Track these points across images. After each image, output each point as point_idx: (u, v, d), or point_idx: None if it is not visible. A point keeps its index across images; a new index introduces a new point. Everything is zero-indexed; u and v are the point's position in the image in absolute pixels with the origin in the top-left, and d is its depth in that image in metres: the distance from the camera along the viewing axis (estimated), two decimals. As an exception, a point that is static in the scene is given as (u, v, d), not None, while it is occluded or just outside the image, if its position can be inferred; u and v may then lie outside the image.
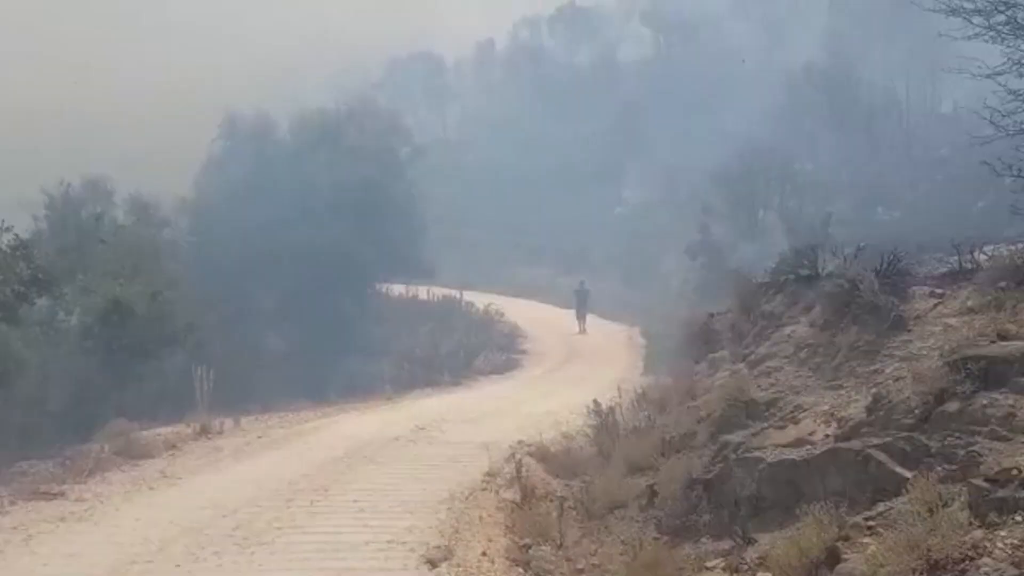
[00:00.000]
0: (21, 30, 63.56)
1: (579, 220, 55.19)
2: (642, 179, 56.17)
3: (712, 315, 16.76)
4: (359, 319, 37.74)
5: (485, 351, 30.06)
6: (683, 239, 45.84)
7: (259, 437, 18.12)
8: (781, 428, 10.67)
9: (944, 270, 11.87)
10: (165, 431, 18.38)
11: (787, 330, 12.38)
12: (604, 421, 18.35)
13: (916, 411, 9.09)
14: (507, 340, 33.87)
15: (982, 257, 11.97)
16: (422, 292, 47.78)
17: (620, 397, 22.89)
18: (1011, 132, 15.82)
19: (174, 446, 17.08)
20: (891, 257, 11.51)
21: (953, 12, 15.76)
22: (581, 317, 40.19)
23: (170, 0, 73.59)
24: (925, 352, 10.27)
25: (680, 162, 52.61)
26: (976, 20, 15.87)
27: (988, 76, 15.70)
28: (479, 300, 43.41)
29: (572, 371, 29.62)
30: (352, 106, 41.38)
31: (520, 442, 17.55)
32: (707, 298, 34.52)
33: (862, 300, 11.05)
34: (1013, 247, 11.85)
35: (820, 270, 13.09)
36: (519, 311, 42.65)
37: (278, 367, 31.34)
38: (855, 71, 43.84)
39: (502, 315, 37.88)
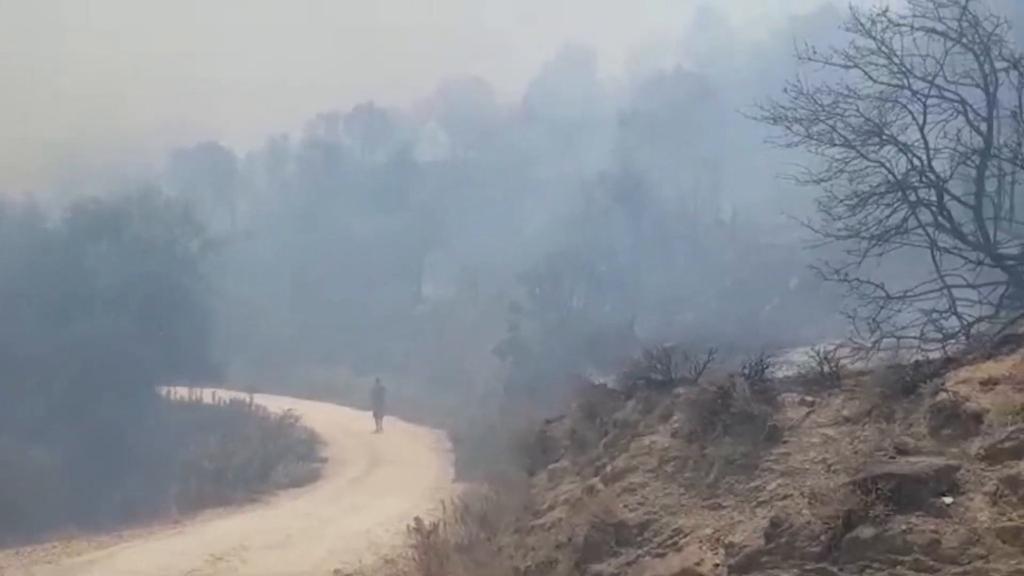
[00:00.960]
0: None
1: (378, 319, 53.41)
2: (442, 277, 55.33)
3: (548, 421, 15.51)
4: (138, 428, 33.91)
5: (283, 461, 27.33)
6: (487, 338, 45.07)
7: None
8: (661, 556, 9.39)
9: (795, 374, 11.12)
10: None
11: (646, 440, 11.21)
12: (428, 541, 16.52)
13: (822, 537, 8.04)
14: (305, 447, 31.20)
15: (842, 362, 11.39)
16: (207, 396, 44.17)
17: (441, 511, 21.14)
18: (841, 236, 15.69)
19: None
20: (757, 361, 10.64)
21: (775, 120, 15.60)
22: (378, 417, 38.51)
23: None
24: (808, 466, 9.34)
25: (481, 261, 52.33)
26: (796, 128, 15.79)
27: (817, 182, 15.61)
28: (272, 404, 40.36)
29: (379, 480, 27.49)
30: (135, 195, 38.19)
31: (336, 572, 15.35)
32: (518, 399, 33.67)
33: (733, 408, 10.06)
34: (823, 348, 11.33)
35: (673, 375, 12.14)
36: (316, 415, 39.90)
37: (43, 487, 27.22)
38: (646, 179, 45.26)
39: (298, 419, 35.10)
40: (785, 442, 9.58)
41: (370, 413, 41.46)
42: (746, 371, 10.47)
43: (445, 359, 46.41)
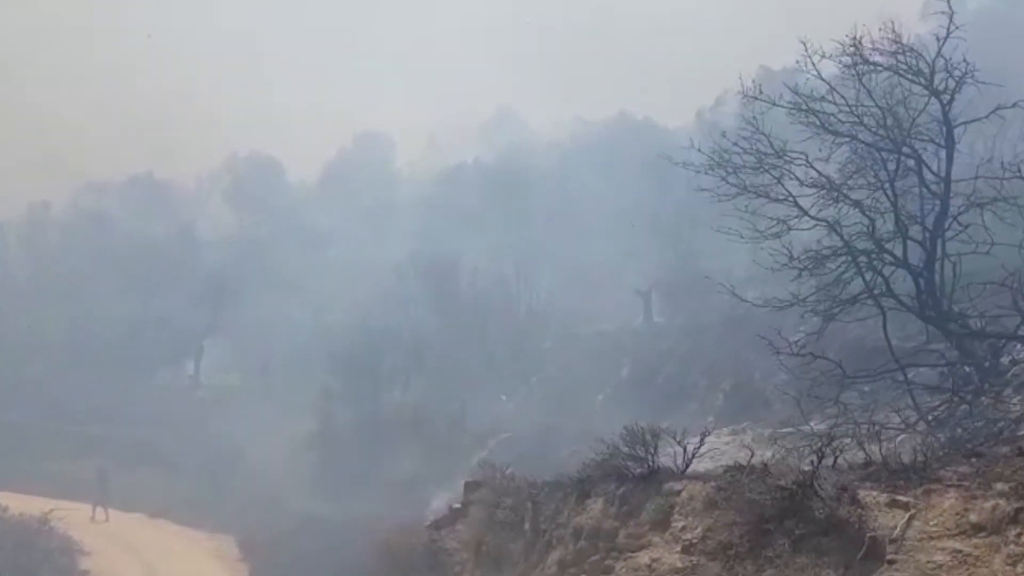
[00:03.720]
0: None
1: (148, 405, 46.50)
2: (226, 362, 49.39)
3: (437, 527, 11.69)
4: None
5: (35, 579, 21.23)
6: (279, 428, 39.92)
7: None
8: None
9: (860, 460, 8.17)
10: None
11: (642, 559, 7.75)
12: None
13: None
14: (63, 559, 24.91)
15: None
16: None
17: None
18: (779, 306, 13.46)
19: None
20: (825, 444, 7.53)
21: (719, 165, 13.33)
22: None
23: None
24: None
25: (271, 345, 47.20)
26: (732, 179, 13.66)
27: (762, 239, 13.25)
28: (18, 503, 33.13)
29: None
30: None
31: None
32: (327, 497, 28.97)
33: (812, 512, 6.82)
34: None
35: (654, 465, 8.81)
36: (71, 517, 33.16)
37: None
38: (455, 264, 42.62)
39: (46, 523, 28.39)
40: (892, 562, 6.45)
41: (137, 514, 35.44)
42: (816, 459, 7.33)
43: (228, 452, 40.58)
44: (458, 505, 12.55)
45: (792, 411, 15.61)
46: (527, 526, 9.51)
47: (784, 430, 11.27)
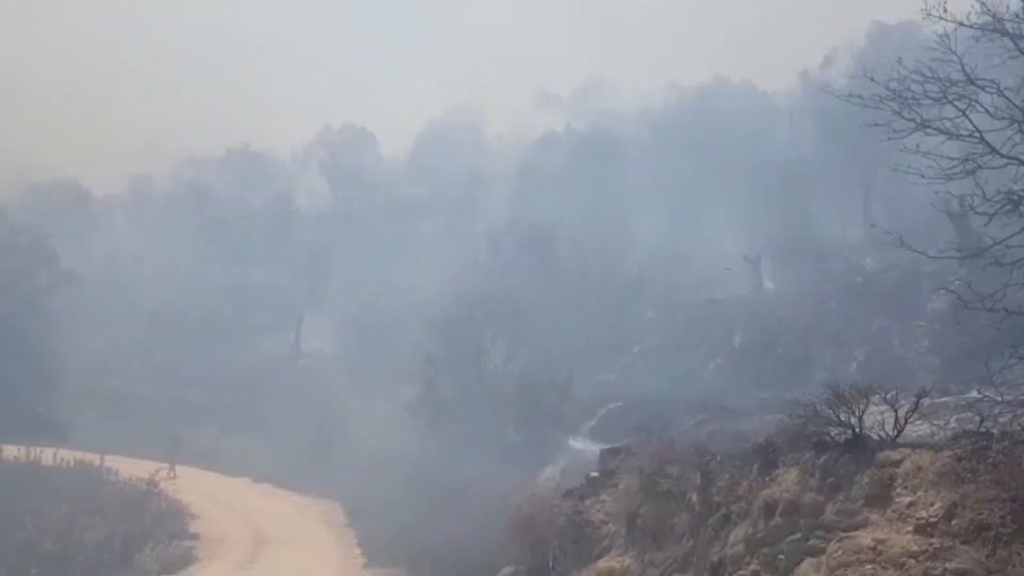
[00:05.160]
0: None
1: (251, 374, 46.66)
2: (325, 331, 49.17)
3: (581, 497, 10.55)
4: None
5: (151, 541, 20.88)
6: (379, 396, 39.46)
7: None
8: None
9: None
10: None
11: (863, 539, 6.43)
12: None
13: None
14: (174, 522, 24.68)
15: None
16: (48, 456, 36.54)
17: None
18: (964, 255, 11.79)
19: None
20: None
21: (894, 97, 11.62)
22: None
23: None
24: None
25: (368, 315, 46.75)
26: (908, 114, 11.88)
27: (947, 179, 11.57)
28: (127, 467, 33.39)
29: (271, 564, 21.57)
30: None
31: None
32: (431, 464, 28.19)
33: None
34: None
35: (860, 431, 7.45)
36: (182, 482, 33.31)
37: None
38: (552, 233, 41.36)
39: (157, 486, 28.28)
40: None
41: (245, 479, 35.61)
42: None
43: (330, 419, 40.34)
44: (596, 474, 11.34)
45: (941, 378, 14.00)
46: (695, 498, 8.28)
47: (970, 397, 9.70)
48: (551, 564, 10.11)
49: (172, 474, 34.73)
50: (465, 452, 26.96)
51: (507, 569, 19.82)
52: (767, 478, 7.69)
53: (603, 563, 8.93)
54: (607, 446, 13.19)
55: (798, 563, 6.71)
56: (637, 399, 25.51)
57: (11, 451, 36.01)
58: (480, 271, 40.28)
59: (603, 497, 9.87)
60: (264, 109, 74.42)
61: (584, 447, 22.66)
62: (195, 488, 28.82)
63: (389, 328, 44.58)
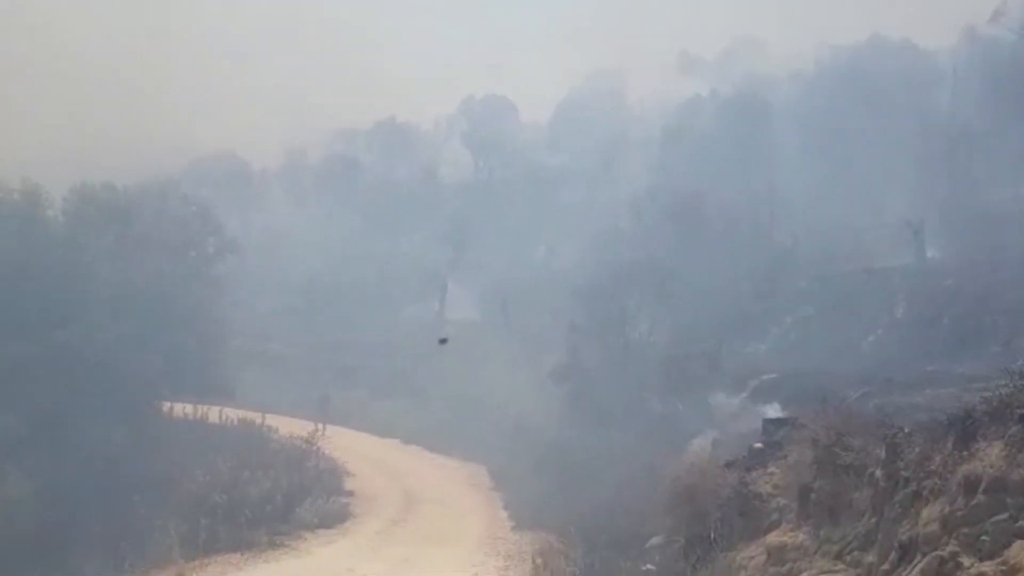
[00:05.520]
0: None
1: (398, 340, 47.90)
2: (468, 299, 49.90)
3: (746, 468, 10.14)
4: (134, 449, 28.22)
5: (310, 496, 21.71)
6: (521, 363, 39.70)
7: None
8: None
9: None
10: None
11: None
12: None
13: None
14: (330, 479, 25.58)
15: None
16: (213, 414, 38.62)
17: (530, 574, 15.73)
18: None
19: None
20: None
21: None
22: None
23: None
24: None
25: (509, 283, 47.06)
26: None
27: None
28: (284, 426, 34.90)
29: (422, 523, 21.99)
30: (148, 186, 32.79)
31: None
32: (576, 430, 28.16)
33: None
34: None
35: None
36: (335, 441, 34.51)
37: (17, 517, 21.55)
38: (697, 199, 40.29)
39: (314, 444, 29.26)
40: None
41: (393, 440, 36.67)
42: None
43: (472, 386, 40.92)
44: (759, 445, 10.86)
45: None
46: (878, 473, 7.75)
47: None
48: (712, 536, 9.74)
49: (323, 433, 36.31)
50: (609, 421, 26.76)
51: (656, 539, 19.54)
52: (965, 453, 7.09)
53: (773, 537, 8.51)
54: (769, 417, 12.64)
55: (1006, 545, 6.13)
56: (791, 371, 24.58)
57: (180, 409, 38.35)
58: (623, 239, 39.78)
59: (771, 469, 9.43)
60: (408, 81, 75.58)
61: (737, 418, 22.02)
62: (348, 447, 29.77)
63: (531, 296, 44.75)
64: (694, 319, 31.65)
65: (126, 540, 18.63)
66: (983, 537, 6.40)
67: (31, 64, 64.26)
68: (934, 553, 6.59)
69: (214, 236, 33.77)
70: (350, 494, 25.20)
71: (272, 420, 36.42)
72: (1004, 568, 6.03)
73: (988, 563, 6.22)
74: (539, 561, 16.82)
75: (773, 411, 23.29)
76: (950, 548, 6.53)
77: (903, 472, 7.47)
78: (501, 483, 28.34)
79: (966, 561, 6.34)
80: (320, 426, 36.27)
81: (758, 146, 45.89)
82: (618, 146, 54.27)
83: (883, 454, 7.82)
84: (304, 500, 21.27)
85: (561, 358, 29.22)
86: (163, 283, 30.15)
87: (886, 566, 7.16)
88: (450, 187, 58.55)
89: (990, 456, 6.82)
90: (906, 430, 7.98)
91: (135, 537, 18.88)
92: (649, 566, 16.79)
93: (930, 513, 6.95)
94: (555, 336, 33.42)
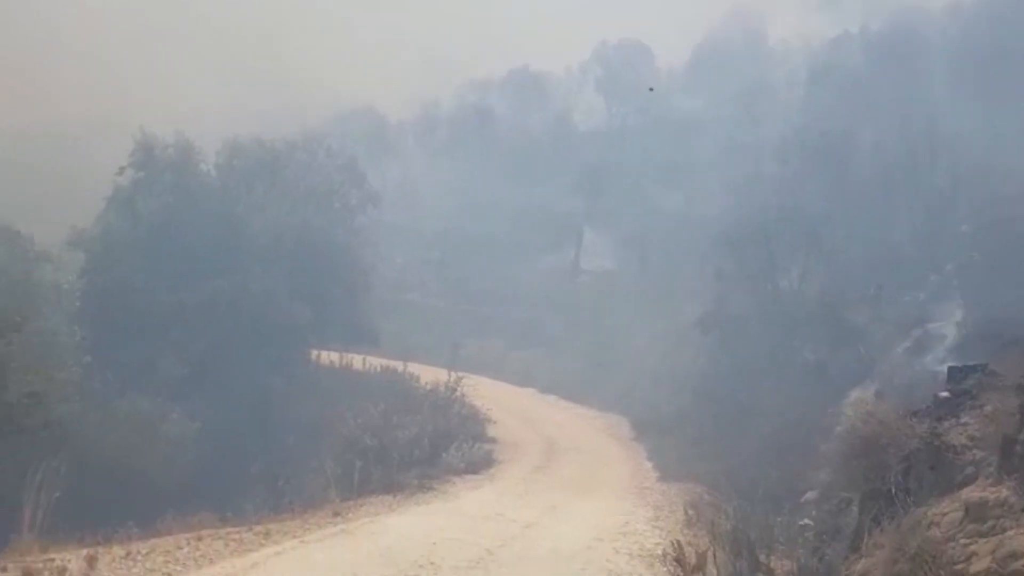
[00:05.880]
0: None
1: (533, 289, 47.92)
2: (603, 248, 49.31)
3: (937, 418, 9.35)
4: (288, 394, 29.35)
5: (455, 442, 21.92)
6: (658, 312, 38.96)
7: (124, 603, 9.77)
8: None
9: None
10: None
11: None
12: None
13: None
14: (473, 426, 25.79)
15: None
16: (357, 361, 39.68)
17: (683, 525, 15.30)
18: None
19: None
20: None
21: None
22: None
23: (75, 16, 63.59)
24: None
25: (646, 232, 46.10)
26: None
27: None
28: (425, 374, 35.48)
29: (566, 471, 21.81)
30: (295, 140, 33.53)
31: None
32: (720, 381, 27.36)
33: None
34: None
35: None
36: (474, 389, 34.86)
37: (180, 455, 22.69)
38: (848, 141, 38.10)
39: (457, 391, 29.47)
40: None
41: (529, 390, 36.91)
42: None
43: (609, 335, 40.52)
44: (946, 394, 10.00)
45: None
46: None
47: None
48: (893, 490, 9.03)
49: (460, 381, 36.66)
50: (757, 371, 25.82)
51: (811, 494, 18.75)
52: None
53: (970, 492, 7.77)
54: (954, 364, 11.68)
55: None
56: (959, 320, 22.99)
57: (326, 357, 39.57)
58: (767, 184, 38.11)
59: (964, 419, 8.63)
60: (541, 29, 74.66)
61: (899, 369, 20.80)
62: (487, 396, 29.87)
63: (669, 244, 43.76)
64: (847, 267, 30.04)
65: (282, 480, 19.25)
66: None
67: (183, 24, 66.87)
68: None
69: (357, 188, 34.30)
70: (493, 441, 25.34)
71: (412, 368, 37.18)
72: None
73: None
74: (691, 512, 16.34)
75: (935, 360, 21.91)
76: None
77: None
78: (643, 433, 27.93)
79: None
80: (454, 374, 36.77)
81: (913, 84, 43.01)
82: (760, 88, 52.01)
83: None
84: (450, 446, 21.44)
85: (704, 306, 28.27)
86: (310, 233, 30.87)
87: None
88: (584, 135, 57.73)
89: None
90: None
91: (291, 477, 19.49)
92: (807, 521, 16.12)
93: None
94: (695, 284, 32.46)
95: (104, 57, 60.73)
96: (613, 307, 42.22)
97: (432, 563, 12.02)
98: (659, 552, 13.28)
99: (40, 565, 10.45)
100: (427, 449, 20.97)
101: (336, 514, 15.31)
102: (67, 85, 55.67)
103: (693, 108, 57.34)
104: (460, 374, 36.26)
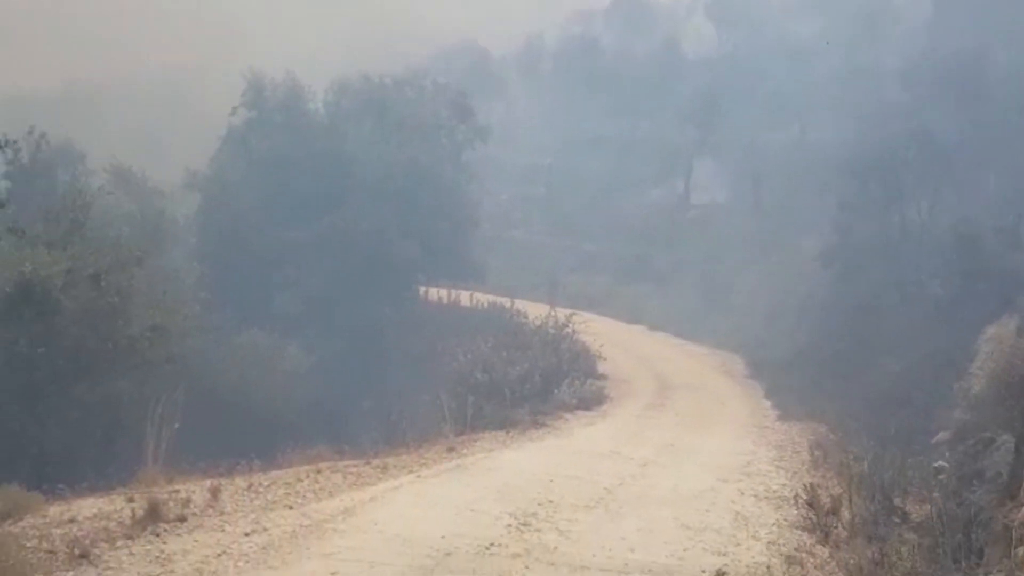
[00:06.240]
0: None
1: (640, 224, 46.85)
2: (714, 180, 47.68)
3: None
4: (398, 329, 29.55)
5: (567, 378, 21.50)
6: (771, 245, 37.53)
7: (247, 534, 9.72)
8: None
9: None
10: (85, 510, 10.12)
11: None
12: (837, 530, 10.23)
13: None
14: (585, 362, 25.30)
15: None
16: (464, 298, 39.68)
17: (808, 466, 14.58)
18: None
19: (84, 553, 8.71)
20: None
21: None
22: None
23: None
24: None
25: (759, 162, 44.29)
26: None
27: None
28: (530, 310, 35.15)
29: (681, 409, 21.17)
30: (404, 75, 33.15)
31: (721, 573, 9.11)
32: (849, 319, 26.10)
33: None
34: None
35: None
36: (582, 326, 34.37)
37: (296, 391, 23.03)
38: (984, 60, 35.36)
39: (568, 327, 28.87)
40: None
41: (638, 326, 36.16)
42: None
43: (721, 270, 39.28)
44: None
45: None
46: None
47: None
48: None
49: (568, 317, 36.18)
50: (881, 307, 24.48)
51: (943, 434, 17.62)
52: None
53: None
54: None
55: None
56: None
57: (435, 293, 39.69)
58: (891, 110, 35.80)
59: None
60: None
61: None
62: (596, 332, 29.24)
63: (784, 175, 41.97)
64: (981, 195, 28.10)
65: (395, 413, 19.28)
66: None
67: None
68: None
69: (464, 123, 33.82)
70: (604, 378, 24.81)
71: (517, 305, 36.90)
72: None
73: None
74: (817, 453, 15.54)
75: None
76: None
77: None
78: (759, 371, 26.96)
79: None
80: (565, 311, 36.25)
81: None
82: (881, 9, 48.73)
83: None
84: (561, 382, 21.04)
85: (823, 239, 26.86)
86: (418, 169, 30.68)
87: None
88: (693, 63, 55.45)
89: None
90: None
91: (403, 411, 19.49)
92: (941, 463, 15.15)
93: None
94: (813, 216, 30.97)
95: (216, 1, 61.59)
96: (725, 241, 40.91)
97: (550, 501, 11.67)
98: (787, 494, 12.62)
99: (165, 496, 10.53)
100: (538, 385, 20.64)
101: (451, 449, 15.13)
102: (182, 29, 56.67)
103: (809, 32, 54.31)
104: (569, 311, 35.88)
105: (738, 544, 10.25)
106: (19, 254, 13.57)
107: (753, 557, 9.77)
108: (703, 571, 9.21)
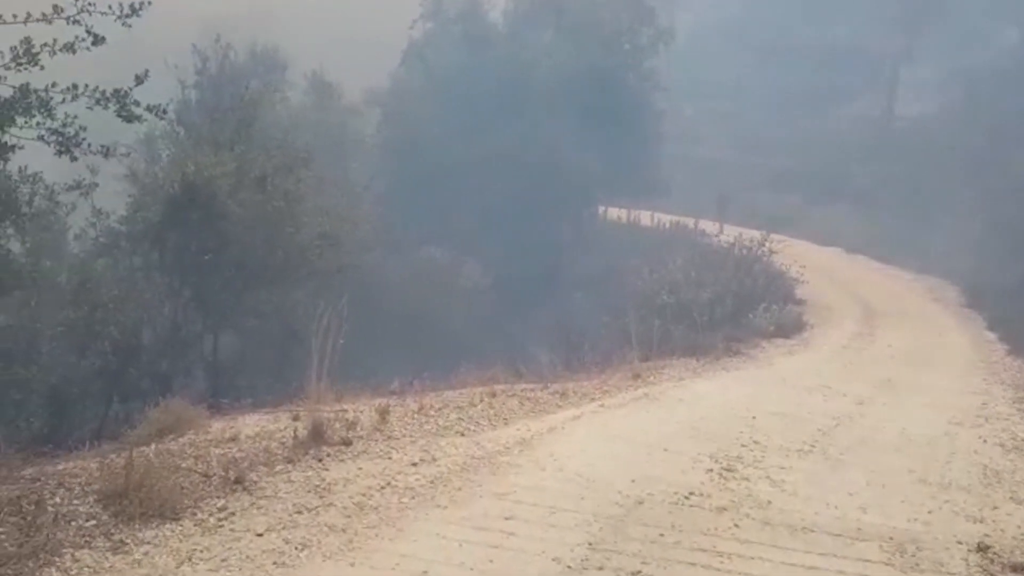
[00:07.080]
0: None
1: (836, 139, 42.88)
2: (922, 91, 42.80)
3: None
4: (575, 247, 28.12)
5: (763, 303, 19.36)
6: (986, 162, 33.15)
7: (414, 464, 8.63)
8: None
9: None
10: (248, 428, 9.40)
11: None
12: None
13: None
14: (780, 285, 22.99)
15: None
16: (644, 217, 37.77)
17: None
18: None
19: (240, 478, 7.86)
20: None
21: None
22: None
23: None
24: None
25: (974, 71, 39.17)
26: None
27: None
28: (716, 231, 32.76)
29: (891, 338, 18.68)
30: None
31: (984, 547, 7.17)
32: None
33: None
34: None
35: None
36: (773, 247, 31.69)
37: (474, 308, 22.14)
38: None
39: (763, 246, 26.18)
40: None
41: (836, 249, 33.18)
42: None
43: (928, 189, 35.24)
44: None
45: None
46: None
47: None
48: None
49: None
50: None
51: None
52: None
53: None
54: None
55: None
56: None
57: (614, 213, 37.91)
58: None
59: None
60: None
61: None
62: (789, 254, 26.62)
63: (1003, 85, 36.94)
64: None
65: (575, 335, 17.96)
66: None
67: None
68: None
69: (647, 25, 31.31)
70: (802, 303, 22.48)
71: (703, 225, 34.62)
72: None
73: None
74: None
75: None
76: None
77: None
78: (977, 299, 23.75)
79: None
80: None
81: None
82: None
83: None
84: (756, 306, 18.96)
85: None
86: (599, 77, 28.65)
87: None
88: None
89: None
90: None
91: (587, 334, 18.13)
92: None
93: None
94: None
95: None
96: (934, 156, 36.65)
97: (756, 442, 9.95)
98: (1047, 446, 10.30)
99: (332, 415, 9.62)
100: (730, 309, 18.72)
101: (636, 376, 13.60)
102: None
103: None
104: (750, 231, 33.16)
105: (995, 507, 8.22)
106: (183, 154, 13.01)
107: (1018, 526, 7.74)
108: (959, 542, 7.29)
